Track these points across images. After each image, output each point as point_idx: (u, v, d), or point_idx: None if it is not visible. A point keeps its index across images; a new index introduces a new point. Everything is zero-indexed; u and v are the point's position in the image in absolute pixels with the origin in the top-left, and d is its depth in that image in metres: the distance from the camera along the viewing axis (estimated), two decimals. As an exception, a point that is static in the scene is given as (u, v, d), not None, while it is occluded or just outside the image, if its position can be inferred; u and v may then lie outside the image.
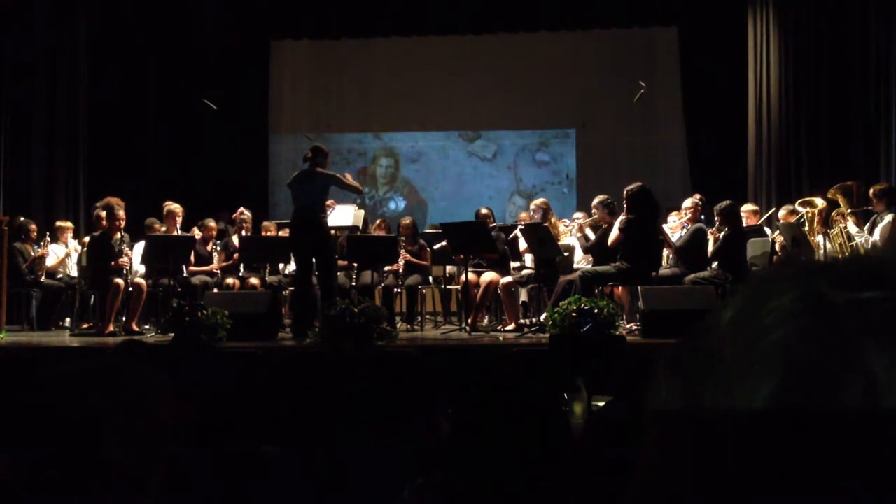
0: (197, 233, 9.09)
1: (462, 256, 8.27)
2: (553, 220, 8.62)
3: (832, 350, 0.37)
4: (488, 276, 8.21)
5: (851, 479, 0.35)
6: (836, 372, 0.37)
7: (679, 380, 0.41)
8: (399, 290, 9.01)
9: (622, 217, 7.67)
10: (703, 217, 8.46)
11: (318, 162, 7.75)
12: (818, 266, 0.41)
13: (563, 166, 12.80)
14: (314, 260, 7.78)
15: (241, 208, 9.38)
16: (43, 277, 9.02)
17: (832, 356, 0.37)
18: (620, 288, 8.05)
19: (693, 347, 0.42)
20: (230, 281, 8.72)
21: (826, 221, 8.52)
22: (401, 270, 8.94)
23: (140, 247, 8.45)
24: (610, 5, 11.97)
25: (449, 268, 9.46)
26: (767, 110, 11.02)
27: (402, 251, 8.93)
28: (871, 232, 8.13)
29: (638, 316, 7.47)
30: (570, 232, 8.86)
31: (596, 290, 7.53)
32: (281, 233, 9.13)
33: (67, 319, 9.29)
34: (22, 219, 9.39)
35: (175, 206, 8.89)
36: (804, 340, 0.38)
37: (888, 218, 7.91)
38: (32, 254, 9.04)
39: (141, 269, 8.53)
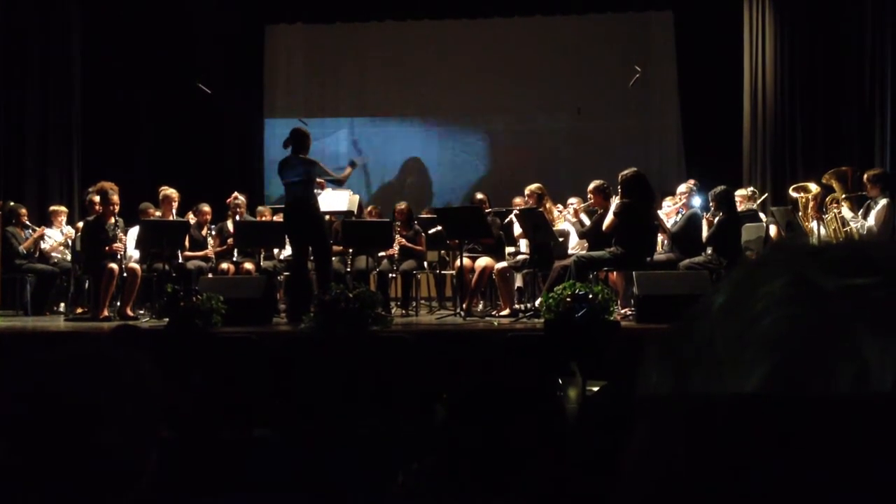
0: (191, 218, 9.07)
1: (457, 241, 8.26)
2: (548, 205, 8.62)
3: (823, 336, 0.37)
4: (483, 261, 8.21)
5: (842, 466, 0.35)
6: (827, 358, 0.37)
7: (670, 365, 0.41)
8: (394, 276, 9.00)
9: (617, 201, 7.67)
10: (700, 202, 8.47)
11: (298, 147, 7.66)
12: (810, 251, 0.41)
13: (557, 151, 12.75)
14: (310, 247, 7.76)
15: (236, 193, 9.35)
16: (38, 261, 9.00)
17: (823, 342, 0.37)
18: (615, 273, 8.06)
19: (684, 333, 0.42)
20: (225, 266, 8.71)
21: (821, 207, 8.52)
22: (396, 256, 8.93)
23: (134, 231, 8.43)
24: (605, -11, 11.97)
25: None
26: (763, 95, 11.01)
27: (397, 236, 8.92)
28: (865, 217, 8.14)
29: (632, 301, 7.49)
30: (565, 217, 8.86)
31: (590, 276, 7.53)
32: (276, 217, 9.10)
33: (62, 304, 9.28)
34: (12, 203, 9.35)
35: (171, 192, 8.86)
36: (795, 326, 0.38)
37: (882, 203, 7.93)
38: (24, 238, 9.02)
39: (135, 253, 8.51)
